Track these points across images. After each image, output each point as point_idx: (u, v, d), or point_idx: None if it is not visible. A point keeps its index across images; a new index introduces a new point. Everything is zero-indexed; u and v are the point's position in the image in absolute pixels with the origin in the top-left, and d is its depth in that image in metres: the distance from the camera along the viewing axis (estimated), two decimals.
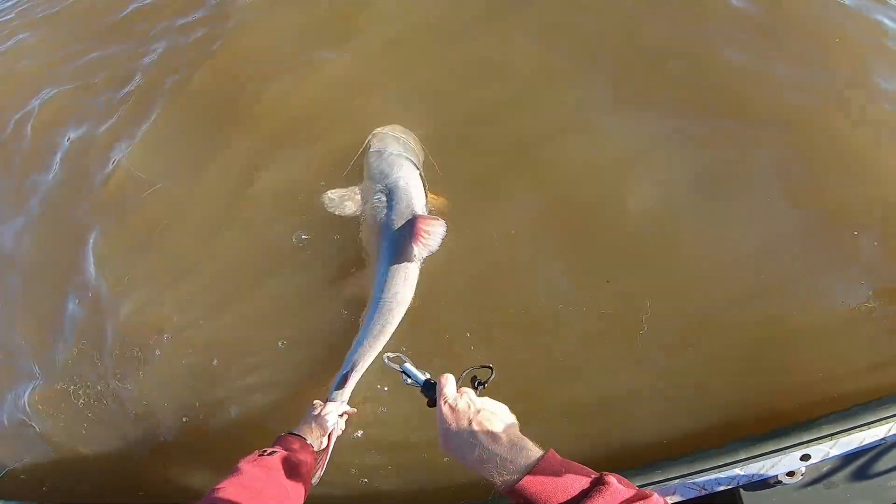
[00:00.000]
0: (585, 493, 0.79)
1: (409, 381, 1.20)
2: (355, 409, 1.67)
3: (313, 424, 1.48)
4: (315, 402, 1.59)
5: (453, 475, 1.62)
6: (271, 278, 2.11)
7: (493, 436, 0.90)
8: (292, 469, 1.23)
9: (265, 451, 1.27)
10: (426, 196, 1.99)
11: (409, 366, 1.21)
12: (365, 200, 1.97)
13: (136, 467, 1.95)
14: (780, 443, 1.33)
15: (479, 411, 0.95)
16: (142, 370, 2.05)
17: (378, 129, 2.16)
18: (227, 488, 1.06)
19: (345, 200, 1.97)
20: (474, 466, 0.91)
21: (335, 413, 1.55)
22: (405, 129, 2.20)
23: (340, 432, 1.61)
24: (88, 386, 2.09)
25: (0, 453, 2.14)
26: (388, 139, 2.11)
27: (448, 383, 1.05)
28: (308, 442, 1.41)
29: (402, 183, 1.93)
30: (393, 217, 1.85)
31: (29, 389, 2.17)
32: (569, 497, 0.79)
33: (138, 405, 2.01)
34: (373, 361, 1.69)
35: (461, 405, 0.98)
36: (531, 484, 0.82)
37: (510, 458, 0.86)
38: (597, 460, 0.93)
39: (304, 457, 1.32)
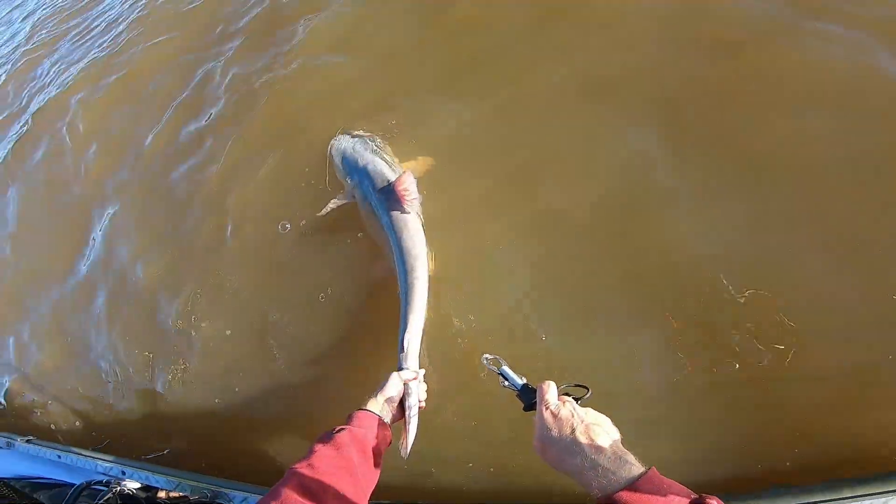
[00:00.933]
0: None
1: (507, 383, 1.21)
2: (425, 384, 1.62)
3: (383, 397, 1.47)
4: (392, 374, 1.55)
5: (522, 475, 1.57)
6: None
7: (597, 446, 0.91)
8: (362, 445, 1.24)
9: (335, 428, 1.28)
10: (398, 165, 2.15)
11: (507, 369, 1.22)
12: (351, 196, 2.14)
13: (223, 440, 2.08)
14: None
15: (582, 421, 0.97)
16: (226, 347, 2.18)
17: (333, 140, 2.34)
18: (299, 469, 1.09)
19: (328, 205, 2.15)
20: (571, 472, 0.93)
21: (397, 385, 1.52)
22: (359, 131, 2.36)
23: (423, 402, 1.57)
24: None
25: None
26: (343, 141, 2.30)
27: (550, 390, 1.07)
28: (378, 415, 1.40)
29: (370, 167, 2.08)
30: (379, 197, 1.99)
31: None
32: None
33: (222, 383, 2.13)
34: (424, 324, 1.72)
35: (564, 413, 1.00)
36: (628, 497, 0.82)
37: (612, 470, 0.86)
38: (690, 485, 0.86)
39: (373, 432, 1.31)
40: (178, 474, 1.79)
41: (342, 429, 1.27)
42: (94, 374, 2.53)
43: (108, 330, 2.57)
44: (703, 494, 0.81)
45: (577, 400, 1.09)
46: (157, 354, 2.36)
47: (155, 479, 1.80)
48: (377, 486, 1.25)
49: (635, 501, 0.81)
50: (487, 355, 1.26)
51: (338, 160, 2.25)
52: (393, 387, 1.50)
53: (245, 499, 1.61)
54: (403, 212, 1.91)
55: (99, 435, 2.39)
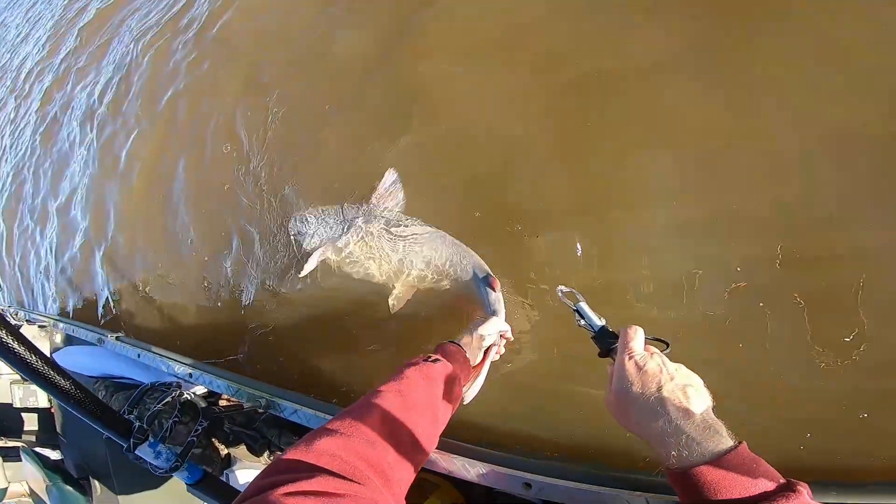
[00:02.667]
0: (767, 497, 0.67)
1: (582, 322, 1.04)
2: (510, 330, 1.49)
3: (474, 337, 1.35)
4: (493, 318, 1.45)
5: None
6: None
7: (685, 410, 0.77)
8: (450, 382, 1.13)
9: (429, 356, 1.18)
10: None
11: (584, 305, 1.04)
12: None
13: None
14: None
15: (672, 378, 0.82)
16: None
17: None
18: (387, 393, 0.98)
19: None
20: (646, 435, 0.80)
21: (496, 328, 1.41)
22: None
23: (498, 355, 1.46)
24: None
25: None
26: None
27: (637, 336, 0.91)
28: (467, 356, 1.29)
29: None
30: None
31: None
32: (745, 495, 0.68)
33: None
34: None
35: (651, 366, 0.85)
36: (710, 472, 0.70)
37: (698, 440, 0.73)
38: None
39: (462, 371, 1.22)
40: (238, 380, 1.74)
41: (437, 359, 1.17)
42: (187, 277, 2.60)
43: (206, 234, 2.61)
44: (793, 480, 0.70)
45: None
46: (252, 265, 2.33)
47: (217, 384, 1.77)
48: None
49: (718, 480, 0.69)
50: (563, 287, 1.08)
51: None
52: (492, 329, 1.38)
53: (295, 411, 1.51)
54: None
55: (178, 338, 2.43)
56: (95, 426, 1.44)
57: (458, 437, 1.32)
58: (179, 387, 1.79)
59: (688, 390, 0.80)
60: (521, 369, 1.56)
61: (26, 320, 2.82)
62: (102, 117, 3.81)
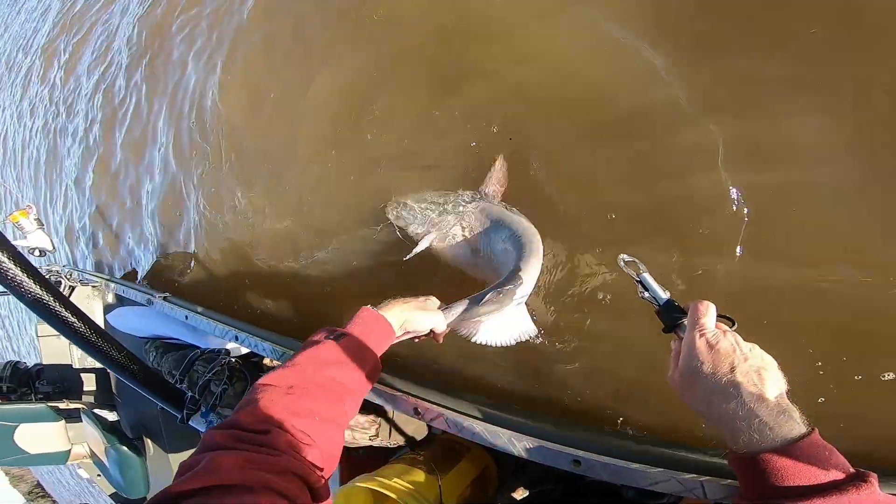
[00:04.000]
0: (836, 486, 0.65)
1: (647, 294, 0.95)
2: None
3: (405, 317, 1.15)
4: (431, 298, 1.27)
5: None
6: None
7: (759, 394, 0.73)
8: (352, 357, 0.99)
9: (334, 331, 1.04)
10: None
11: (648, 276, 0.96)
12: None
13: None
14: None
15: (746, 359, 0.77)
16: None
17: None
18: (272, 386, 0.89)
19: None
20: (714, 417, 0.77)
21: (429, 323, 1.20)
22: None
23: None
24: None
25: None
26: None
27: (709, 312, 0.84)
28: (391, 326, 1.11)
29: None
30: None
31: None
32: (813, 483, 0.66)
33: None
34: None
35: (724, 345, 0.79)
36: (779, 459, 0.68)
37: (771, 425, 0.70)
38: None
39: (380, 338, 1.08)
40: (282, 342, 1.59)
41: (340, 335, 1.02)
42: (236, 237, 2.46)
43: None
44: (863, 469, 0.67)
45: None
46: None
47: (263, 347, 1.62)
48: None
49: (787, 467, 0.67)
50: (625, 256, 0.98)
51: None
52: (426, 321, 1.18)
53: None
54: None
55: (225, 298, 2.31)
56: (149, 397, 1.37)
57: (501, 406, 1.21)
58: (228, 353, 1.69)
59: (762, 372, 0.76)
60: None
61: (80, 281, 2.79)
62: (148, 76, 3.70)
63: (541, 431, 1.09)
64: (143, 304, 2.29)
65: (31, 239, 2.60)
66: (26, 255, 2.75)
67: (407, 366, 1.56)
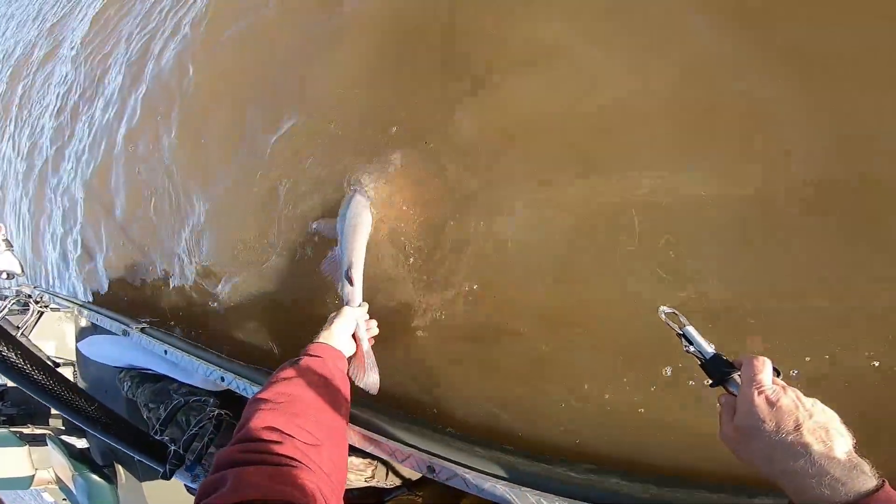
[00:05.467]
0: None
1: (691, 348, 0.91)
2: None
3: (333, 331, 1.32)
4: (343, 308, 1.42)
5: None
6: None
7: (829, 450, 0.71)
8: (324, 371, 1.13)
9: (293, 359, 1.17)
10: None
11: (691, 330, 0.92)
12: None
13: None
14: None
15: (812, 415, 0.74)
16: None
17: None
18: (267, 398, 0.98)
19: None
20: (778, 474, 0.74)
21: (351, 317, 1.38)
22: None
23: (371, 338, 1.44)
24: None
25: None
26: None
27: (766, 369, 0.81)
28: (333, 345, 1.28)
29: None
30: None
31: None
32: None
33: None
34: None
35: (786, 402, 0.76)
36: None
37: (843, 480, 0.68)
38: None
39: (333, 358, 1.22)
40: None
41: (300, 358, 1.16)
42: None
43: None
44: None
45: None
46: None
47: (253, 391, 1.57)
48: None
49: None
50: (665, 308, 0.95)
51: None
52: (347, 320, 1.36)
53: None
54: None
55: (207, 333, 2.24)
56: (129, 452, 1.30)
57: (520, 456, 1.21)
58: (217, 404, 1.64)
59: (829, 428, 0.73)
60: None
61: (50, 306, 2.65)
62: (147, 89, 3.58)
63: (568, 488, 1.08)
64: (117, 334, 2.19)
65: None
66: None
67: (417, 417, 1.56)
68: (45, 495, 2.85)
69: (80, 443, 2.59)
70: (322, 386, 1.08)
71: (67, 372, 2.68)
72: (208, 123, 2.61)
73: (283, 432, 0.86)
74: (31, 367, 1.05)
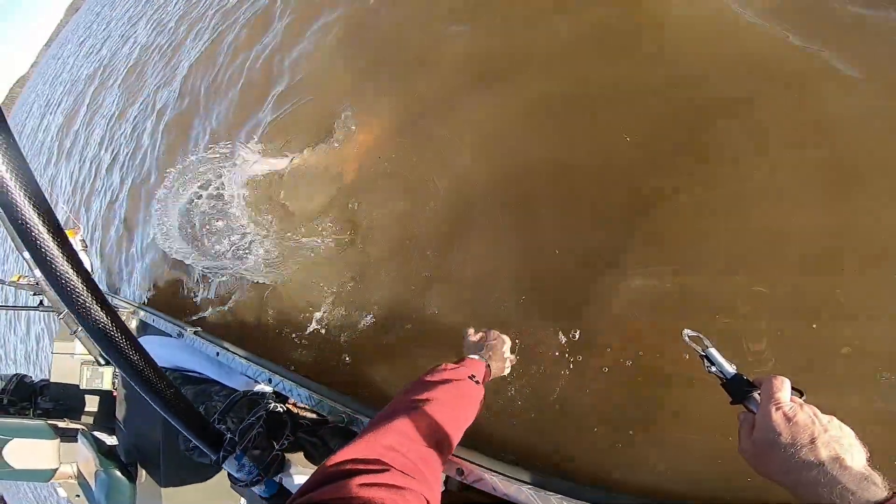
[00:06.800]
0: None
1: (713, 369, 0.97)
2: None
3: (498, 366, 1.42)
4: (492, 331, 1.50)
5: None
6: None
7: (841, 462, 0.73)
8: (476, 402, 1.20)
9: (473, 375, 1.23)
10: None
11: (714, 351, 0.97)
12: None
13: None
14: None
15: (826, 430, 0.78)
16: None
17: None
18: (435, 402, 1.03)
19: None
20: (791, 483, 0.77)
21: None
22: None
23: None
24: None
25: None
26: None
27: (784, 387, 0.85)
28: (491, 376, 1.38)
29: None
30: None
31: None
32: None
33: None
34: None
35: (802, 417, 0.80)
36: None
37: (853, 490, 0.70)
38: None
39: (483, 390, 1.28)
40: (320, 391, 1.65)
41: (477, 381, 1.23)
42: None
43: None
44: None
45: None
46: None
47: (298, 392, 1.69)
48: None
49: None
50: (688, 331, 0.99)
51: None
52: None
53: None
54: None
55: (259, 339, 2.37)
56: (189, 436, 1.38)
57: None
58: (273, 399, 1.72)
59: (843, 442, 0.76)
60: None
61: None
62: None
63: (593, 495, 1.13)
64: (171, 336, 2.33)
65: None
66: None
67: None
68: (60, 490, 2.87)
69: (110, 440, 2.66)
70: (459, 412, 1.09)
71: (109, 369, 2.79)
72: None
73: (396, 456, 0.82)
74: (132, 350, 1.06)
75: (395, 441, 0.85)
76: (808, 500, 0.74)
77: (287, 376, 1.77)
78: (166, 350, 2.39)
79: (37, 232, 0.78)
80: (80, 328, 2.56)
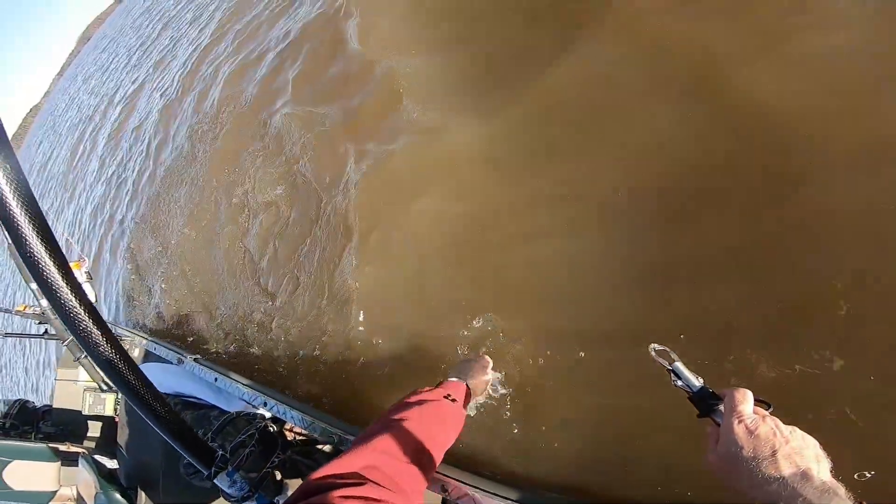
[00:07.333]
0: None
1: (679, 382, 0.96)
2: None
3: (480, 385, 1.53)
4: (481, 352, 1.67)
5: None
6: None
7: (803, 474, 0.72)
8: (457, 421, 1.28)
9: (449, 395, 1.32)
10: None
11: (680, 365, 0.97)
12: None
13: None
14: None
15: (787, 442, 0.76)
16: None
17: None
18: (411, 421, 1.10)
19: None
20: (754, 496, 0.75)
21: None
22: None
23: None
24: None
25: None
26: None
27: (746, 399, 0.85)
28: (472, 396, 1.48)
29: None
30: None
31: None
32: None
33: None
34: None
35: (763, 430, 0.79)
36: None
37: (814, 502, 0.68)
38: None
39: (464, 409, 1.37)
40: (312, 413, 1.74)
41: (454, 400, 1.32)
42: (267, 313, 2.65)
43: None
44: None
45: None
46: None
47: (291, 415, 1.78)
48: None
49: None
50: (655, 345, 1.00)
51: None
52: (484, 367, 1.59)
53: None
54: None
55: (254, 365, 2.45)
56: (183, 452, 1.44)
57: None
58: (264, 419, 1.79)
59: (805, 453, 0.74)
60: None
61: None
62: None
63: None
64: (171, 363, 2.42)
65: None
66: None
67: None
68: None
69: (111, 463, 2.72)
70: (435, 429, 1.15)
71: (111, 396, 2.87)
72: None
73: (373, 471, 0.88)
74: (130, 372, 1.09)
75: (372, 458, 0.91)
76: None
77: (281, 399, 1.86)
78: (167, 376, 2.48)
79: (44, 265, 0.84)
80: (83, 354, 2.65)
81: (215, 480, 1.59)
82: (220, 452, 1.64)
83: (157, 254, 4.05)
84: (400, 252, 2.22)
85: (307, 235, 2.69)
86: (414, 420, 1.11)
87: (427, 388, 1.34)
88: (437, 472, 1.37)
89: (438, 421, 1.20)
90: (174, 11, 11.71)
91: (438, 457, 1.11)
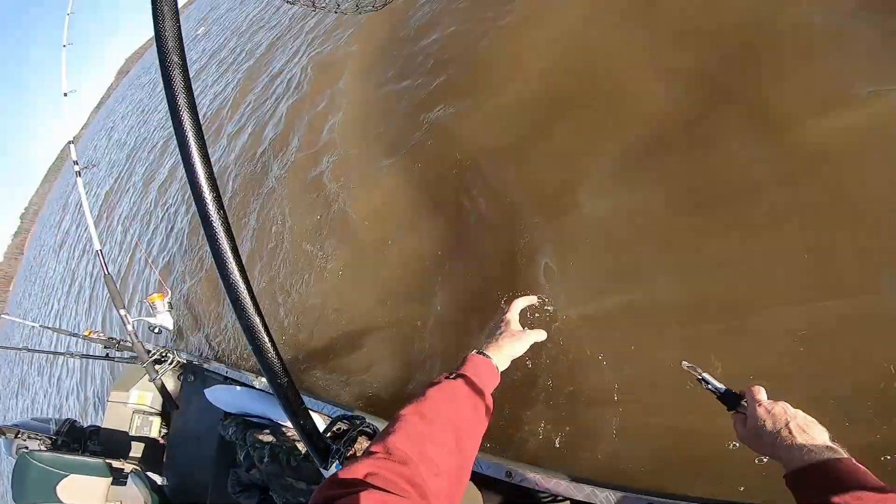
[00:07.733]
0: (881, 489, 0.80)
1: (709, 387, 1.24)
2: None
3: (503, 353, 1.33)
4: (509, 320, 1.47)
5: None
6: None
7: (808, 436, 0.96)
8: (475, 394, 1.14)
9: (451, 374, 1.19)
10: None
11: (707, 375, 1.24)
12: None
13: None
14: None
15: (795, 417, 1.02)
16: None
17: None
18: (408, 416, 1.01)
19: None
20: (776, 451, 1.00)
21: (529, 343, 1.41)
22: None
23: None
24: None
25: None
26: None
27: (762, 392, 1.14)
28: (494, 364, 1.28)
29: None
30: None
31: None
32: (860, 482, 0.81)
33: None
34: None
35: (777, 410, 1.05)
36: (825, 465, 0.88)
37: (817, 452, 0.91)
38: None
39: (489, 380, 1.23)
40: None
41: (459, 375, 1.18)
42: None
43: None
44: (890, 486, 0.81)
45: None
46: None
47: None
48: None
49: (834, 470, 0.86)
50: (686, 362, 1.27)
51: None
52: (525, 347, 1.39)
53: None
54: None
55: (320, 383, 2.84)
56: (307, 446, 1.45)
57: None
58: (363, 419, 2.15)
59: (810, 424, 0.99)
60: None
61: (179, 361, 3.21)
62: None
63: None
64: (243, 384, 2.79)
65: (158, 318, 3.12)
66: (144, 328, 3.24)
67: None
68: None
69: (160, 479, 2.95)
70: (468, 410, 1.09)
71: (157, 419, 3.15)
72: None
73: (412, 455, 0.87)
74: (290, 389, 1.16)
75: (371, 465, 0.82)
76: (787, 462, 0.95)
77: (349, 410, 2.27)
78: (234, 397, 2.82)
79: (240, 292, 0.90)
80: (158, 376, 2.98)
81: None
82: (334, 447, 1.98)
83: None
84: None
85: None
86: (408, 417, 1.02)
87: (445, 375, 1.21)
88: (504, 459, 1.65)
89: (438, 409, 1.06)
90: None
91: (453, 445, 0.99)
